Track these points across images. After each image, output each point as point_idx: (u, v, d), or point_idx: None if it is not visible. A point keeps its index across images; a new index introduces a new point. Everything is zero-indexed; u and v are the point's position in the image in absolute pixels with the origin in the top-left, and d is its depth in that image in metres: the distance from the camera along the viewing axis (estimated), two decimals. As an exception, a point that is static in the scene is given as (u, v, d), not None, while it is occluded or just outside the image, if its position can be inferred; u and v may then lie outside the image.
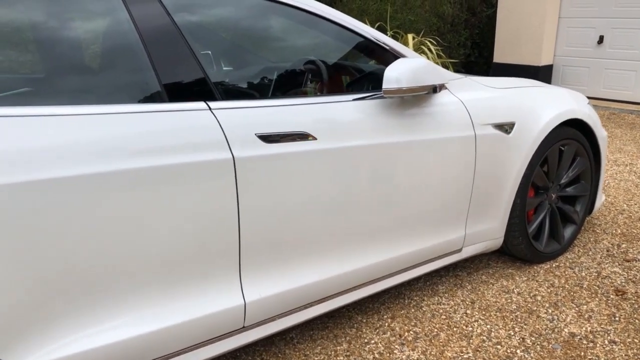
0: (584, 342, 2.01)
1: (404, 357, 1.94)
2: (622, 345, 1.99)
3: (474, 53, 7.69)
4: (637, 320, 2.14)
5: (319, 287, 1.83)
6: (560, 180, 2.61)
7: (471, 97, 2.18)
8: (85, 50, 1.67)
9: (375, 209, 1.90)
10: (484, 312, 2.22)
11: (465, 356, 1.94)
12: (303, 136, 1.68)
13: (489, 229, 2.34)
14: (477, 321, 2.16)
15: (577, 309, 2.23)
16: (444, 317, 2.19)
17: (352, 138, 1.79)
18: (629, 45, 6.36)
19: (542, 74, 6.88)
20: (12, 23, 1.47)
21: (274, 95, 2.11)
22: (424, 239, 2.11)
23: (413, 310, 2.24)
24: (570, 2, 6.76)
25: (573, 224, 2.71)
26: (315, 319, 2.18)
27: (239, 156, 1.55)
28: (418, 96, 1.98)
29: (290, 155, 1.65)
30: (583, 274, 2.51)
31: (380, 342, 2.03)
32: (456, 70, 6.55)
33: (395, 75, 1.81)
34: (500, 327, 2.12)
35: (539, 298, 2.32)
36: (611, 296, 2.31)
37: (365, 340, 2.04)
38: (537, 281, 2.46)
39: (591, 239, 2.86)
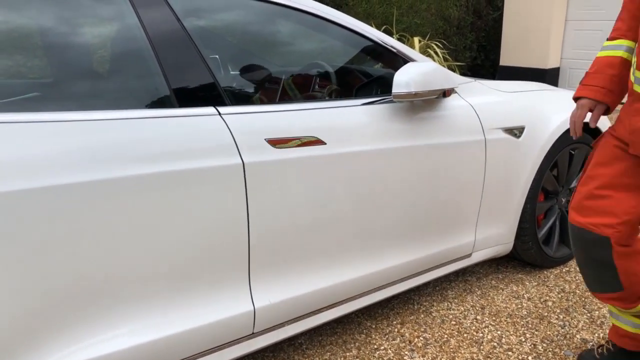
0: (597, 348, 1.99)
1: (414, 363, 1.92)
2: (635, 351, 1.96)
3: (480, 56, 7.66)
4: (650, 327, 2.11)
5: (329, 293, 1.81)
6: (570, 184, 2.58)
7: (481, 101, 2.16)
8: (95, 56, 1.67)
9: (385, 213, 1.89)
10: (494, 318, 2.20)
11: (476, 363, 1.93)
12: (312, 141, 1.67)
13: (499, 234, 2.32)
14: (488, 327, 2.14)
15: (588, 314, 2.21)
16: (454, 322, 2.17)
17: (362, 143, 1.77)
18: (636, 48, 6.32)
19: (549, 76, 6.85)
20: (22, 28, 1.47)
21: (283, 100, 2.10)
22: (434, 244, 2.09)
23: (422, 315, 2.22)
24: (577, 4, 6.73)
25: (583, 228, 2.68)
26: (324, 324, 2.16)
27: (249, 161, 1.54)
28: (428, 100, 1.97)
29: (299, 160, 1.63)
30: (594, 279, 2.48)
31: (390, 348, 2.01)
32: (462, 74, 6.53)
33: (405, 79, 1.79)
34: (511, 333, 2.09)
35: (549, 303, 2.29)
36: (623, 302, 2.29)
37: (375, 346, 2.02)
38: (547, 286, 2.44)
39: (601, 244, 2.83)
